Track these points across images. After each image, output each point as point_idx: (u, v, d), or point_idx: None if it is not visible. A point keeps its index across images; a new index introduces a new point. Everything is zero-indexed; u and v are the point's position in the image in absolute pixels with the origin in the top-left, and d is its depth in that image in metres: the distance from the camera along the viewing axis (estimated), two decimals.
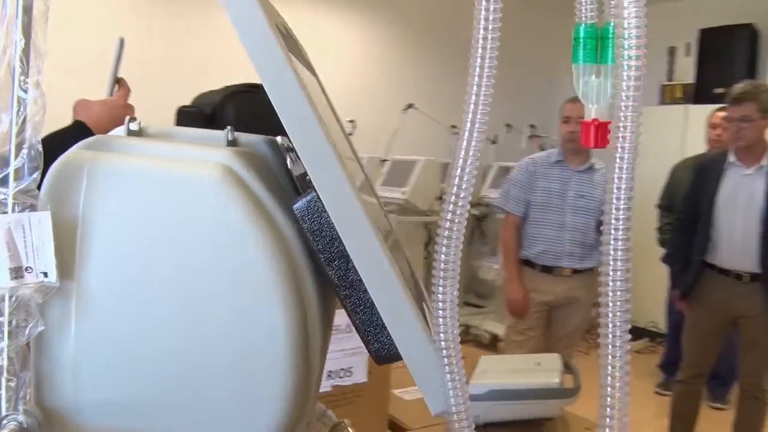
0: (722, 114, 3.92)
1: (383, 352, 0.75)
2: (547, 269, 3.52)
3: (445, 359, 0.69)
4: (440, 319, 0.69)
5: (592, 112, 0.81)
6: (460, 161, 0.71)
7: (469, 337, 5.85)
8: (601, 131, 0.82)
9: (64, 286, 0.75)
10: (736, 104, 3.12)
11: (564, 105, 3.57)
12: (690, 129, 6.05)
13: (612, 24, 0.79)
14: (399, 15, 6.34)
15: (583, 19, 0.81)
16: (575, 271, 3.51)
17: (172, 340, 0.75)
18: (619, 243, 0.67)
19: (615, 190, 0.67)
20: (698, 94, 6.32)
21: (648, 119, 5.61)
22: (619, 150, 0.66)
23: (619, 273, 0.67)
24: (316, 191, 0.73)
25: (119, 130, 0.85)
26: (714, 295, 3.28)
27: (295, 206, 0.74)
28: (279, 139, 0.95)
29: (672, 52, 6.61)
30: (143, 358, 0.76)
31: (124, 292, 0.75)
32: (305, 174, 0.88)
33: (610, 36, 0.80)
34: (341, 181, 0.71)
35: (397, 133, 5.50)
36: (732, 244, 3.22)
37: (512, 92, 7.39)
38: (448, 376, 0.70)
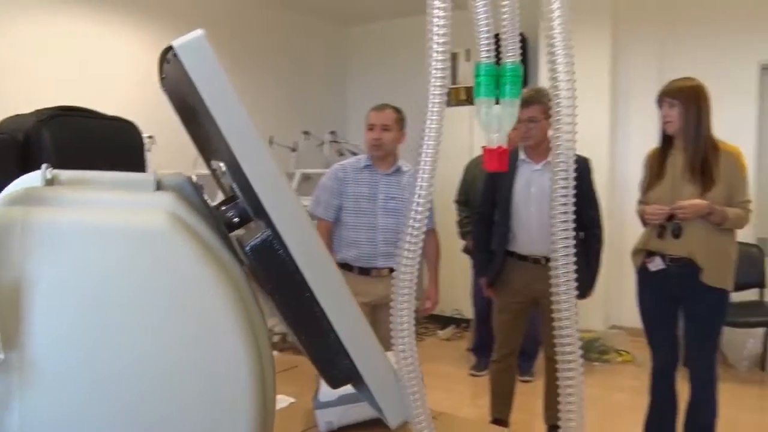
0: None
1: (341, 376, 0.79)
2: (365, 271, 3.64)
3: (408, 374, 0.75)
4: (400, 339, 0.75)
5: (494, 140, 0.91)
6: (419, 187, 0.77)
7: (287, 344, 5.88)
8: (504, 156, 0.92)
9: (5, 358, 0.69)
10: (524, 107, 3.45)
11: (369, 113, 3.72)
12: (476, 128, 6.55)
13: (508, 63, 0.90)
14: (195, 25, 6.19)
15: (483, 59, 0.90)
16: (392, 271, 3.68)
17: (131, 411, 0.72)
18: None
19: (561, 195, 0.77)
20: None
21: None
22: (562, 164, 0.76)
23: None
24: (270, 229, 0.75)
25: (34, 179, 0.81)
26: (516, 279, 3.61)
27: (249, 246, 0.76)
28: (194, 176, 0.96)
29: (455, 57, 7.10)
30: None
31: (75, 360, 0.71)
32: (225, 210, 0.90)
33: (508, 74, 0.90)
34: (300, 217, 0.74)
35: None
36: (529, 233, 3.57)
37: (307, 100, 7.52)
38: (412, 388, 0.76)
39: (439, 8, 0.82)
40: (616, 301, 5.68)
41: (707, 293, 3.00)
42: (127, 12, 5.68)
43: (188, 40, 0.70)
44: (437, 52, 0.81)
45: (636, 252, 3.27)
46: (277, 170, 0.74)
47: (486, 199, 3.72)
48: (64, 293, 0.72)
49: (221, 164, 0.91)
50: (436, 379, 4.62)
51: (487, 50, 0.89)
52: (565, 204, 0.79)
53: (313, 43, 7.71)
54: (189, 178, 0.89)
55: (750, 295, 4.79)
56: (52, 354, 0.71)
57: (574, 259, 0.82)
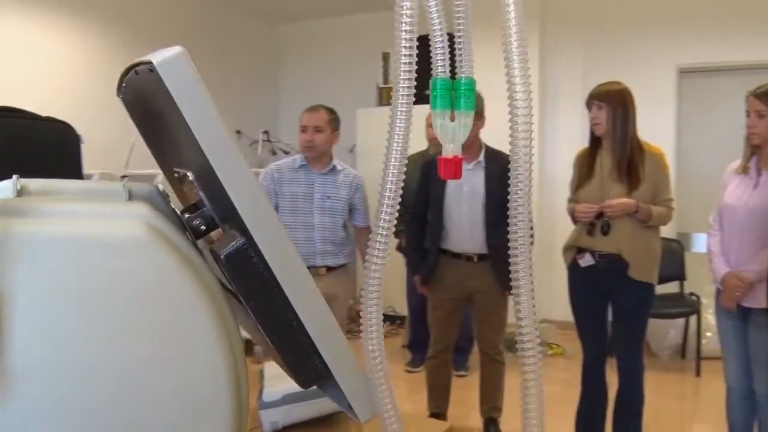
0: None
1: (311, 375, 0.84)
2: None
3: (378, 372, 0.80)
4: (370, 340, 0.80)
5: (449, 150, 0.96)
6: (388, 187, 0.81)
7: None
8: (458, 166, 0.98)
9: None
10: None
11: (302, 114, 3.74)
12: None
13: (463, 78, 0.96)
14: (122, 23, 6.06)
15: (439, 73, 0.95)
16: (329, 269, 3.72)
17: (113, 419, 0.74)
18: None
19: (519, 196, 0.82)
20: None
21: (368, 119, 6.02)
22: (521, 164, 0.82)
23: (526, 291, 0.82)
24: (243, 237, 0.79)
25: (3, 190, 0.82)
26: (450, 276, 3.70)
27: (224, 254, 0.79)
28: (160, 186, 0.98)
29: (386, 57, 7.19)
30: None
31: (57, 369, 0.72)
32: (191, 218, 0.93)
33: (462, 88, 0.96)
34: (275, 226, 0.77)
35: (134, 146, 5.27)
36: (461, 231, 3.66)
37: (239, 99, 7.46)
38: (382, 386, 0.80)
39: (407, 7, 0.86)
40: (546, 295, 5.85)
41: (634, 287, 3.14)
42: (52, 10, 5.52)
43: (168, 58, 0.72)
44: (405, 55, 0.86)
45: (567, 249, 3.39)
46: (254, 183, 0.77)
47: (419, 198, 3.79)
48: (43, 305, 0.73)
49: (188, 173, 0.93)
50: None
51: (443, 65, 0.94)
52: (522, 204, 0.84)
53: (244, 41, 7.65)
54: (157, 187, 0.92)
55: (671, 287, 5.02)
56: (32, 365, 0.73)
57: (531, 263, 0.87)
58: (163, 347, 0.76)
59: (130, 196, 0.86)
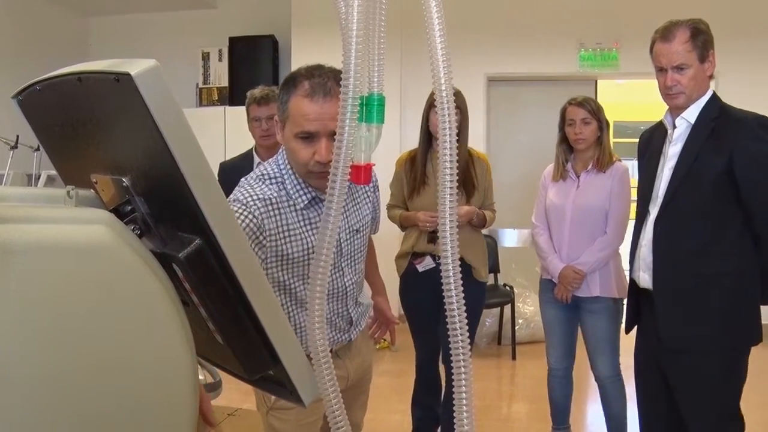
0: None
1: (259, 364, 0.92)
2: None
3: (323, 359, 0.90)
4: (318, 327, 0.90)
5: (362, 157, 1.07)
6: (334, 196, 0.90)
7: None
8: (368, 171, 1.09)
9: None
10: (264, 105, 3.52)
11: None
12: (229, 128, 6.64)
13: (375, 94, 1.07)
14: None
15: (377, 90, 1.06)
16: None
17: (88, 411, 0.78)
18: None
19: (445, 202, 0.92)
20: (232, 96, 6.95)
21: (189, 120, 5.95)
22: (448, 178, 0.93)
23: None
24: (202, 237, 0.85)
25: None
26: None
27: (182, 255, 0.85)
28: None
29: (206, 57, 7.09)
30: None
31: (33, 374, 0.74)
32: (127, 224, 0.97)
33: (375, 103, 1.07)
34: (236, 228, 0.85)
35: None
36: None
37: None
38: (326, 371, 0.90)
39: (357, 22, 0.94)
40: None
41: (474, 286, 3.31)
42: None
43: (145, 69, 0.77)
44: (351, 63, 0.93)
45: (401, 256, 3.47)
46: (218, 186, 0.84)
47: None
48: (16, 311, 0.74)
49: (123, 178, 0.97)
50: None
51: (378, 83, 1.05)
52: (451, 214, 0.95)
53: (49, 31, 7.18)
54: (96, 193, 0.94)
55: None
56: (8, 371, 0.74)
57: (459, 264, 0.98)
58: (134, 347, 0.80)
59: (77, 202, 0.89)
